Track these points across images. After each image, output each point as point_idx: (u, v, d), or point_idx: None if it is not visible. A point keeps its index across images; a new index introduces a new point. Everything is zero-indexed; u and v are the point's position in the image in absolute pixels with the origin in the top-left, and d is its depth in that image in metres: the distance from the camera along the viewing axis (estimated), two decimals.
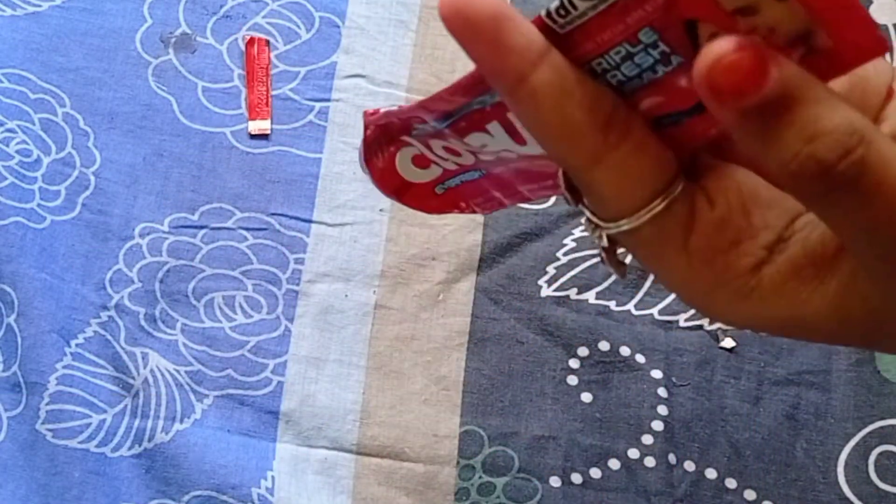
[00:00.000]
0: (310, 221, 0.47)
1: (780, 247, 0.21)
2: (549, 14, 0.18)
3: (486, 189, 0.27)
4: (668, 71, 0.19)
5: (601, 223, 0.22)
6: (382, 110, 0.25)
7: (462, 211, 0.29)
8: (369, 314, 0.46)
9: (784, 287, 0.20)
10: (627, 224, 0.21)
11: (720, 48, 0.16)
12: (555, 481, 0.44)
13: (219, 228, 0.47)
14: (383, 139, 0.26)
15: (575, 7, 0.18)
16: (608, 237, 0.22)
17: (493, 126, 0.23)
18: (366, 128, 0.26)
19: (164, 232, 0.47)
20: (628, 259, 0.22)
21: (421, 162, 0.27)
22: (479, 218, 0.47)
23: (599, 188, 0.20)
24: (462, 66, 0.49)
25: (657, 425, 0.44)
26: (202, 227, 0.47)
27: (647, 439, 0.44)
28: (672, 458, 0.44)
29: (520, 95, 0.18)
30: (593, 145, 0.19)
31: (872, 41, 0.16)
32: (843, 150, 0.16)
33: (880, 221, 0.17)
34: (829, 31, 0.16)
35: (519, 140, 0.23)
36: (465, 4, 0.17)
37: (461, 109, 0.22)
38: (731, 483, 0.44)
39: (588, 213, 0.22)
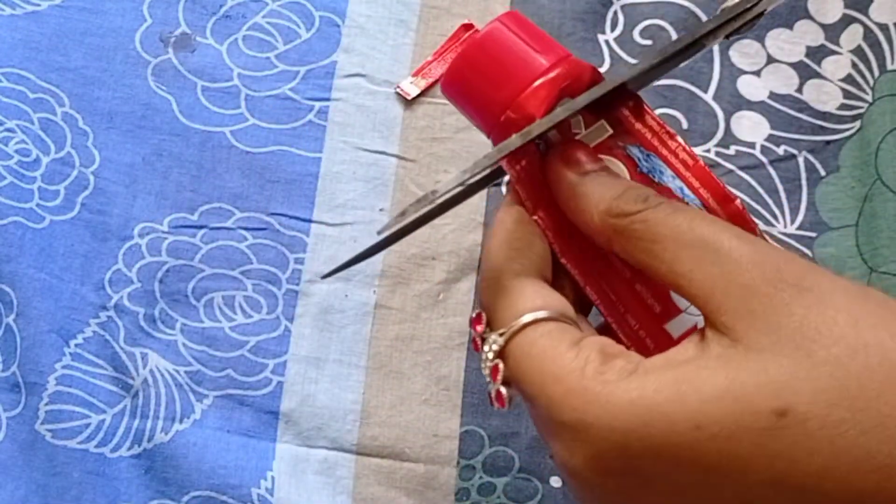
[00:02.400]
0: (309, 221, 0.47)
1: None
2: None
3: None
4: None
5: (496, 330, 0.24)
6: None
7: None
8: (369, 314, 0.46)
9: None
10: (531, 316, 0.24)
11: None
12: (555, 481, 0.44)
13: (218, 228, 0.47)
14: None
15: None
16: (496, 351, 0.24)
17: None
18: None
19: (163, 232, 0.47)
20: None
21: None
22: (480, 217, 0.47)
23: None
24: None
25: None
26: (202, 227, 0.47)
27: None
28: None
29: None
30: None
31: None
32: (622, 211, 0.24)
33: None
34: None
35: None
36: None
37: None
38: None
39: (481, 328, 0.26)
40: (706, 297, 0.21)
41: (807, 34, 0.49)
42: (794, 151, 0.48)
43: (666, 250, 0.22)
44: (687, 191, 0.26)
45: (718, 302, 0.21)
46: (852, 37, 0.49)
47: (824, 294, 0.20)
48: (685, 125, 0.48)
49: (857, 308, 0.20)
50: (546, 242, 0.26)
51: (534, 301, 0.24)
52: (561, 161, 0.26)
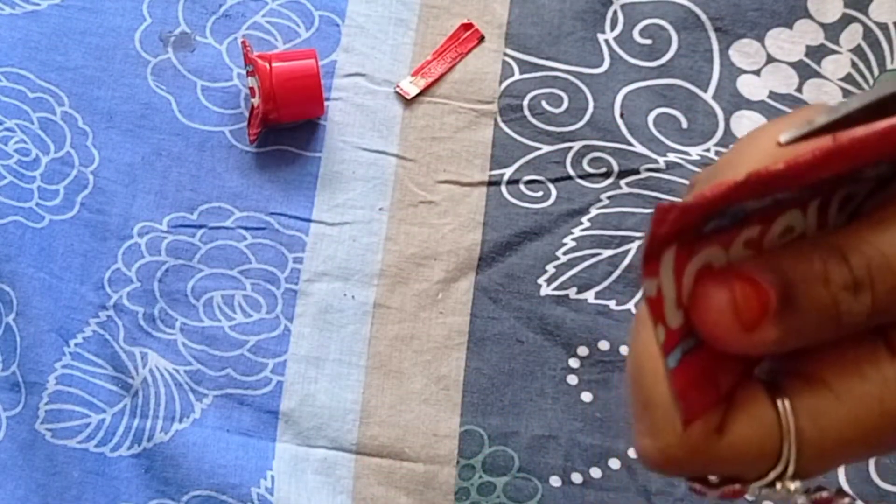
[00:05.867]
0: (309, 220, 0.47)
1: None
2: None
3: None
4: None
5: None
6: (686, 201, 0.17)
7: None
8: (368, 313, 0.46)
9: None
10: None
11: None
12: (555, 481, 0.44)
13: (218, 228, 0.47)
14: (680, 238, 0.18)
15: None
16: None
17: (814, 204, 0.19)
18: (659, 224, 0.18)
19: (162, 231, 0.47)
20: None
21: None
22: (479, 217, 0.47)
23: None
24: (462, 64, 0.49)
25: None
26: (201, 227, 0.47)
27: None
28: None
29: None
30: None
31: None
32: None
33: None
34: None
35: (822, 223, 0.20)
36: None
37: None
38: None
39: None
40: None
41: (806, 33, 0.49)
42: None
43: None
44: None
45: None
46: (852, 36, 0.49)
47: None
48: (685, 124, 0.48)
49: None
50: None
51: None
52: None
